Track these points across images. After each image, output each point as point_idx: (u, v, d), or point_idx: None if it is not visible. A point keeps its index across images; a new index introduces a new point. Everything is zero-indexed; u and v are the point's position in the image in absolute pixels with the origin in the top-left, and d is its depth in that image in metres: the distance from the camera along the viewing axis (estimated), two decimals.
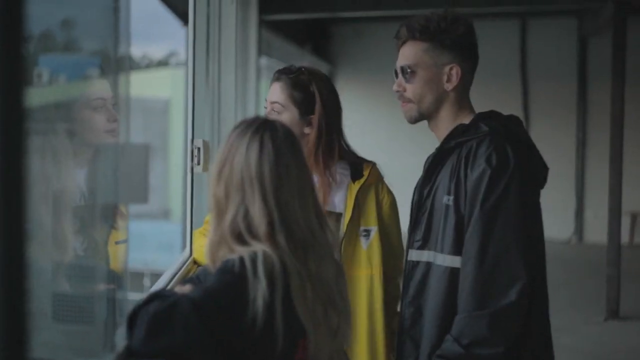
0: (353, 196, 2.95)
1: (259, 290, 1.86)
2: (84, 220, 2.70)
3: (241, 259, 1.91)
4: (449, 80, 2.66)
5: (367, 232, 2.97)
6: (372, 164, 3.05)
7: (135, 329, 1.81)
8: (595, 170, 14.04)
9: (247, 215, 1.96)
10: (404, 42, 2.73)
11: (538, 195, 2.64)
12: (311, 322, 1.99)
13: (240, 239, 1.96)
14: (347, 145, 3.07)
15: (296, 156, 2.05)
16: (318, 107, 2.95)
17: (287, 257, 1.96)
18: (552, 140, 14.03)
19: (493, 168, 2.48)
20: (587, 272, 11.31)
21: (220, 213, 1.99)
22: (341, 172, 2.99)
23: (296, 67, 3.05)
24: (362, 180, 2.97)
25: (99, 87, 2.76)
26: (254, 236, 1.95)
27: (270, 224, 1.96)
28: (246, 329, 1.85)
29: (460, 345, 2.48)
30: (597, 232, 13.42)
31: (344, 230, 2.93)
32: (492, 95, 11.19)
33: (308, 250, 2.01)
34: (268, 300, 1.86)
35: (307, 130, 2.95)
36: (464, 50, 2.68)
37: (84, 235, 2.64)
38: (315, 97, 2.95)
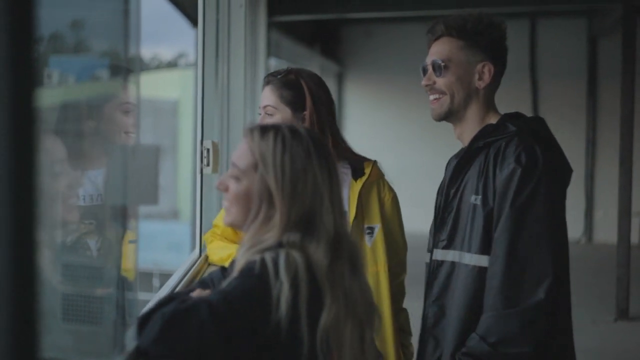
0: (356, 194, 2.96)
1: (282, 294, 1.84)
2: (99, 220, 2.71)
3: (262, 260, 1.90)
4: (480, 78, 2.70)
5: (371, 230, 2.98)
6: (373, 162, 3.06)
7: (147, 329, 1.81)
8: (604, 170, 14.00)
9: (314, 230, 1.98)
10: (437, 38, 2.76)
11: (564, 195, 2.66)
12: (340, 344, 1.98)
13: (292, 246, 1.96)
14: (345, 143, 3.07)
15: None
16: (308, 102, 2.95)
17: (328, 274, 1.96)
18: (562, 140, 13.77)
19: (523, 167, 2.50)
20: (596, 272, 11.27)
21: (287, 226, 1.97)
22: (342, 171, 3.00)
23: (284, 68, 3.06)
24: (364, 178, 2.99)
25: (130, 92, 2.78)
26: (305, 245, 1.96)
27: (330, 242, 1.98)
28: (270, 334, 1.84)
29: (487, 344, 2.48)
30: (606, 232, 13.38)
31: (349, 229, 2.94)
32: (502, 94, 11.13)
33: (355, 264, 2.04)
34: (292, 304, 1.85)
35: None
36: (496, 53, 2.73)
37: (99, 235, 2.66)
38: (305, 92, 2.96)
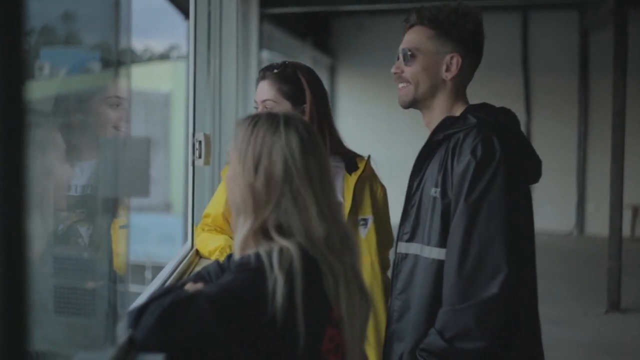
0: (351, 188, 2.98)
1: (278, 286, 1.85)
2: (90, 210, 2.72)
3: (257, 255, 1.91)
4: (448, 70, 2.66)
5: (365, 221, 3.01)
6: (367, 157, 3.08)
7: (143, 319, 1.81)
8: (596, 163, 14.03)
9: (293, 207, 1.98)
10: (410, 27, 2.74)
11: (527, 186, 2.63)
12: (348, 316, 2.02)
13: (279, 232, 1.96)
14: (338, 136, 3.09)
15: (323, 147, 2.10)
16: (308, 95, 2.96)
17: (323, 254, 1.98)
18: (554, 133, 14.04)
19: (478, 160, 2.47)
20: (588, 264, 11.31)
21: (257, 206, 1.98)
22: (335, 164, 3.01)
23: (278, 62, 3.06)
24: (358, 172, 3.02)
25: (118, 85, 2.78)
26: (287, 230, 1.97)
27: (316, 217, 1.99)
28: (266, 325, 1.85)
29: (443, 339, 2.47)
30: (598, 224, 13.43)
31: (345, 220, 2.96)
32: (494, 88, 11.20)
33: (345, 243, 2.05)
34: (287, 296, 1.86)
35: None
36: (468, 44, 2.68)
37: (90, 225, 2.66)
38: (304, 86, 2.97)
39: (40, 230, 2.14)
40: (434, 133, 2.65)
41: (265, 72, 3.04)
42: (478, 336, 2.44)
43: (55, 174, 2.36)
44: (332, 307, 2.00)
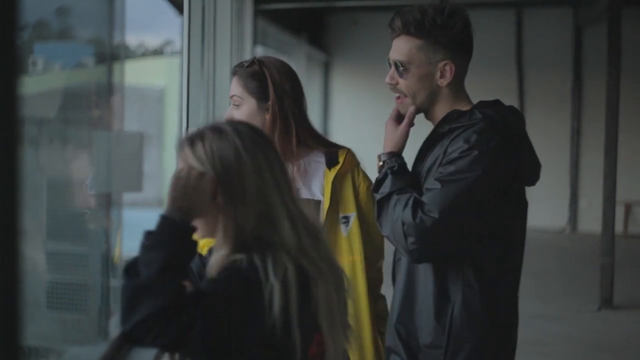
0: (329, 183, 2.95)
1: (274, 296, 1.83)
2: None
3: (250, 260, 1.87)
4: (442, 77, 2.62)
5: (347, 219, 2.97)
6: (347, 150, 3.05)
7: (143, 333, 1.77)
8: (589, 160, 14.04)
9: (270, 223, 1.93)
10: (397, 35, 2.69)
11: (518, 184, 2.59)
12: (331, 325, 1.99)
13: (259, 242, 1.92)
14: (315, 133, 3.06)
15: (276, 148, 2.06)
16: (271, 92, 2.96)
17: (310, 262, 1.95)
18: (547, 129, 14.04)
19: (470, 144, 2.45)
20: (581, 261, 11.33)
21: (238, 224, 1.92)
22: (316, 160, 3.00)
23: (250, 59, 3.08)
24: (337, 167, 2.98)
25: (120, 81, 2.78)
26: (270, 243, 1.92)
27: (294, 228, 1.94)
28: (264, 338, 1.85)
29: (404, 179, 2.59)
30: (591, 221, 13.43)
31: (324, 218, 2.94)
32: (488, 84, 11.17)
33: (314, 237, 2.01)
34: (283, 307, 1.84)
35: (268, 117, 2.97)
36: (459, 47, 2.64)
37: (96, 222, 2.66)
38: (268, 83, 2.97)
39: (33, 226, 2.14)
40: (439, 125, 2.62)
41: (236, 69, 3.07)
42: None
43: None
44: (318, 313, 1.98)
